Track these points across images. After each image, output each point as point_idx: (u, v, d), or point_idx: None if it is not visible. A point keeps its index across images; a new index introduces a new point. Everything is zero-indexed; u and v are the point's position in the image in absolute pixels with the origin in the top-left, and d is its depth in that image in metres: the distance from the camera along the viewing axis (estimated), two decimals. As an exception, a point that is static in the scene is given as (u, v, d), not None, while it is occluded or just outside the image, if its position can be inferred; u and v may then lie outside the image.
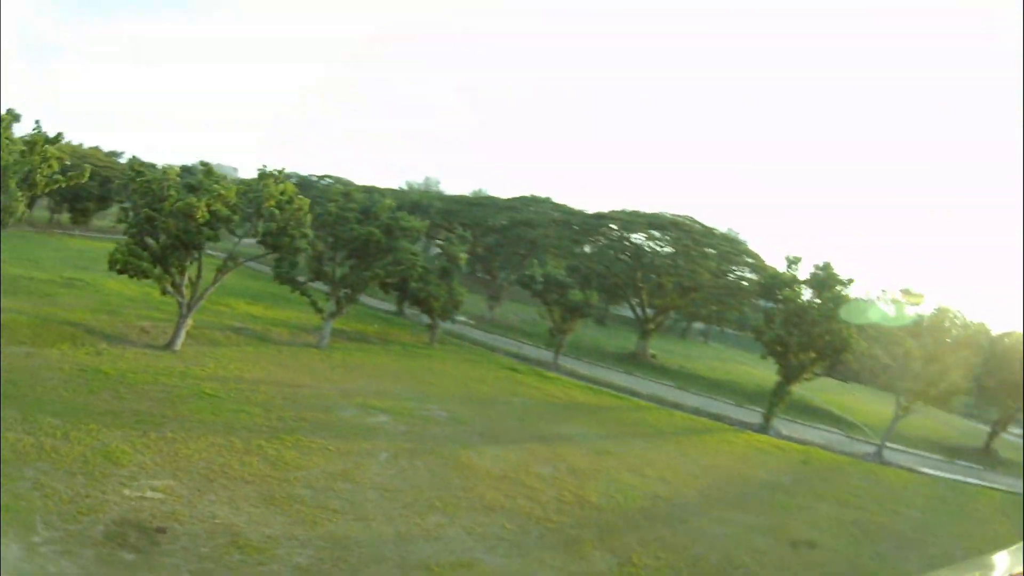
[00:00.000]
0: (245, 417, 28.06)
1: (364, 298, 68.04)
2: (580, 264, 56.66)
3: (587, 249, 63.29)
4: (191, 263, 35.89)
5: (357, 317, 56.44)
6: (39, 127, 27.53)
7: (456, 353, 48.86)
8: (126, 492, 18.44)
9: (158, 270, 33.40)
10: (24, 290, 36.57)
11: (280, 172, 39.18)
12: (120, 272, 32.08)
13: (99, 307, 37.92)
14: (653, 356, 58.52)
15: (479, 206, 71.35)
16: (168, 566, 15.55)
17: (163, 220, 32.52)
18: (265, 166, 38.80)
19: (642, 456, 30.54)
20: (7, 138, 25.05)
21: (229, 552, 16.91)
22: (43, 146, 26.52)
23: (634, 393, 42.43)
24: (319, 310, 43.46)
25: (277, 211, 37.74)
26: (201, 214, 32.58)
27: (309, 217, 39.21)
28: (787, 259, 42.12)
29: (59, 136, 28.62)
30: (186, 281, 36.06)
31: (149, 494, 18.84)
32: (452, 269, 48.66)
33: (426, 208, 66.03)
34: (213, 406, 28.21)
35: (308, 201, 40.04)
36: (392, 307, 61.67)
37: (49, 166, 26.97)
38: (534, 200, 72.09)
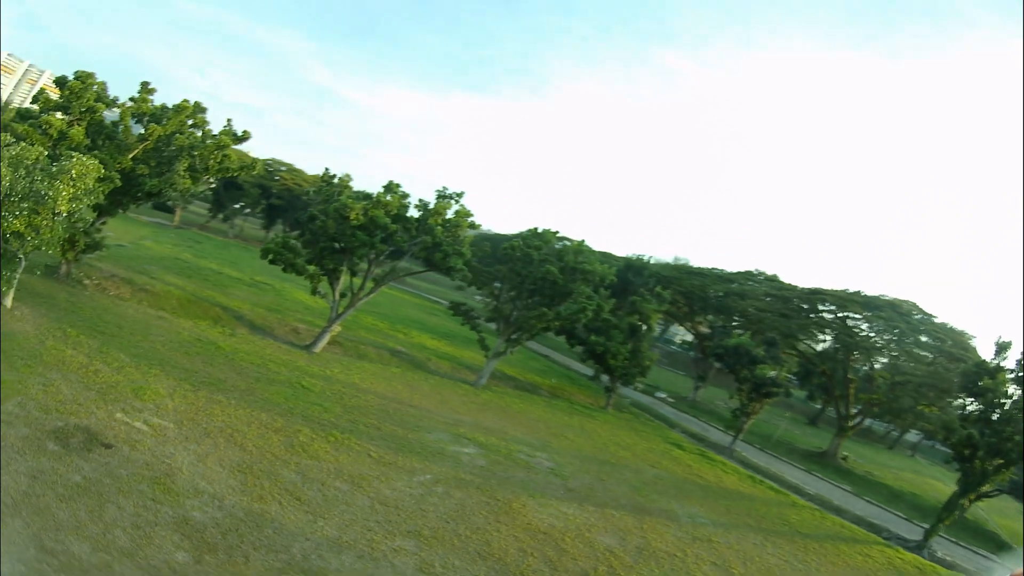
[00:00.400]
0: (317, 410, 30.02)
1: (563, 359, 69.54)
2: (777, 338, 54.29)
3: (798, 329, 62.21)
4: (347, 270, 41.11)
5: (541, 371, 57.05)
6: (229, 124, 36.89)
7: (626, 421, 46.38)
8: (119, 415, 21.37)
9: (312, 268, 39.08)
10: (204, 279, 47.35)
11: (458, 195, 42.81)
12: (272, 263, 38.50)
13: (267, 305, 46.31)
14: (844, 458, 55.04)
15: (698, 275, 73.46)
16: (73, 465, 17.34)
17: (323, 220, 38.32)
18: (445, 188, 42.65)
19: (745, 553, 23.33)
20: (197, 124, 33.84)
21: (141, 482, 17.96)
22: (221, 137, 34.74)
23: (799, 491, 39.60)
24: (485, 347, 45.33)
25: (439, 228, 41.10)
26: (355, 216, 37.43)
27: (470, 237, 41.63)
28: (996, 344, 36.80)
29: (246, 134, 37.24)
30: (340, 287, 41.43)
31: (138, 425, 21.45)
32: (640, 328, 47.10)
33: (639, 271, 69.80)
34: (294, 393, 31.03)
35: (475, 223, 43.11)
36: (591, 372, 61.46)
37: (225, 155, 35.15)
38: (761, 275, 73.06)
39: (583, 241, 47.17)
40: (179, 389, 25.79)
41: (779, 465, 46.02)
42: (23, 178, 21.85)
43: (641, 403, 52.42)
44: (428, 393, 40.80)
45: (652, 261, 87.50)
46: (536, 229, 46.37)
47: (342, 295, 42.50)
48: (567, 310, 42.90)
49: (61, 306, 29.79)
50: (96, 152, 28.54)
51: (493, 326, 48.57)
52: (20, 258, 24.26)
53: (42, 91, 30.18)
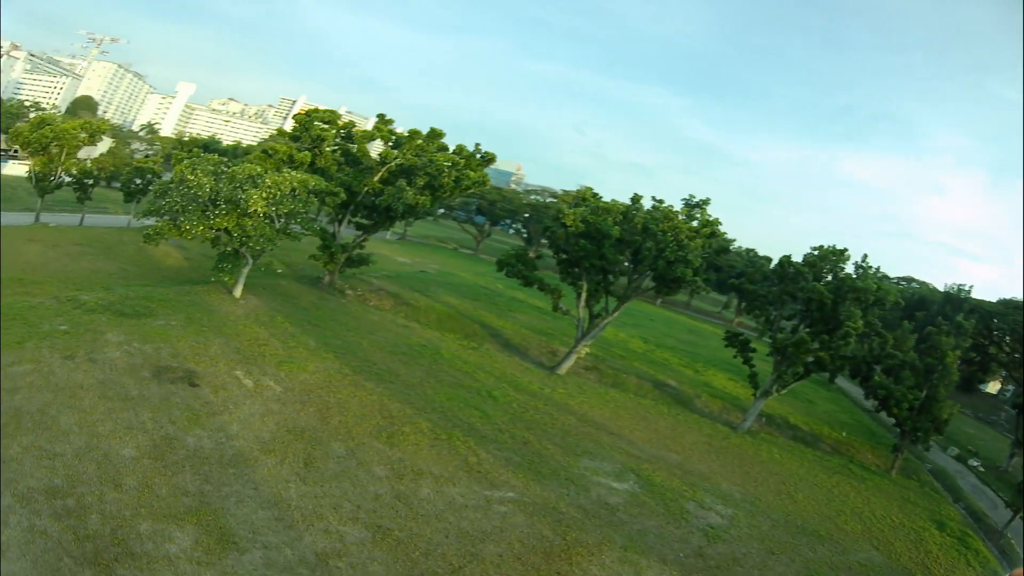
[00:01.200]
0: (471, 414, 31.30)
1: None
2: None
3: None
4: (585, 285, 40.97)
5: (848, 424, 46.68)
6: (478, 147, 43.07)
7: (901, 489, 36.52)
8: (237, 372, 27.63)
9: (563, 282, 40.95)
10: (490, 302, 52.80)
11: (703, 201, 40.45)
12: (508, 276, 41.57)
13: (541, 328, 49.14)
14: None
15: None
16: (143, 386, 23.88)
17: (553, 230, 40.12)
18: (692, 196, 40.38)
19: None
20: (460, 152, 41.51)
21: (179, 410, 23.19)
22: (451, 156, 40.59)
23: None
24: (755, 385, 39.58)
25: (665, 234, 38.31)
26: (571, 221, 38.15)
27: (697, 243, 37.92)
28: None
29: (488, 155, 42.32)
30: (583, 304, 41.30)
31: (247, 382, 27.19)
32: (937, 368, 37.81)
33: (959, 304, 66.17)
34: (467, 397, 33.04)
35: (719, 232, 40.51)
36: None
37: (460, 174, 40.74)
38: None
39: (866, 256, 40.60)
40: (330, 370, 30.75)
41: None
42: (227, 187, 31.06)
43: (947, 470, 44.70)
44: (658, 428, 37.01)
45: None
46: (822, 246, 39.07)
47: (596, 315, 41.99)
48: (836, 340, 36.75)
49: (298, 304, 39.59)
50: (340, 175, 37.56)
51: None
52: (244, 255, 33.97)
53: (294, 127, 41.97)
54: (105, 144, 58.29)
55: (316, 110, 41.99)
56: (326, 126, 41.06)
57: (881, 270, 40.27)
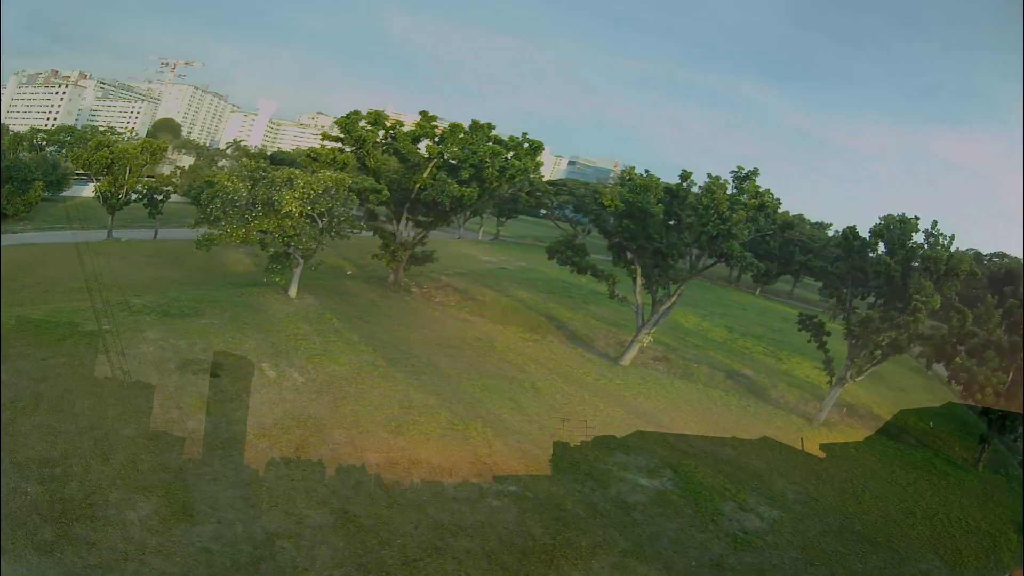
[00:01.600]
0: (503, 405, 31.17)
1: None
2: None
3: None
4: (638, 270, 39.28)
5: (938, 415, 40.42)
6: (524, 136, 43.59)
7: (984, 486, 32.41)
8: (264, 365, 29.18)
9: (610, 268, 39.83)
10: (566, 295, 51.93)
11: (752, 172, 37.71)
12: (561, 264, 40.72)
13: (612, 320, 47.20)
14: None
15: None
16: (165, 376, 25.90)
17: (597, 212, 39.26)
18: (740, 168, 38.03)
19: None
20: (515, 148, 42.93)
21: (188, 396, 24.95)
22: (492, 146, 41.25)
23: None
24: (830, 372, 36.30)
25: (708, 208, 36.32)
26: (608, 201, 37.22)
27: (741, 214, 35.58)
28: None
29: (535, 143, 42.25)
30: (638, 289, 39.57)
31: (270, 373, 28.67)
32: (1022, 347, 34.52)
33: None
34: (506, 388, 32.87)
35: (770, 202, 37.56)
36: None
37: (505, 162, 40.65)
38: None
39: (935, 222, 35.79)
40: (362, 363, 31.60)
41: None
42: (263, 190, 33.23)
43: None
44: (719, 420, 34.83)
45: None
46: (890, 215, 36.08)
47: (659, 301, 39.95)
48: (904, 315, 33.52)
49: (355, 302, 40.80)
50: (389, 174, 38.99)
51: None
52: (294, 256, 35.94)
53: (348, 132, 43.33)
54: (186, 161, 64.08)
55: (357, 112, 43.90)
56: (371, 127, 42.80)
57: (972, 247, 35.23)
